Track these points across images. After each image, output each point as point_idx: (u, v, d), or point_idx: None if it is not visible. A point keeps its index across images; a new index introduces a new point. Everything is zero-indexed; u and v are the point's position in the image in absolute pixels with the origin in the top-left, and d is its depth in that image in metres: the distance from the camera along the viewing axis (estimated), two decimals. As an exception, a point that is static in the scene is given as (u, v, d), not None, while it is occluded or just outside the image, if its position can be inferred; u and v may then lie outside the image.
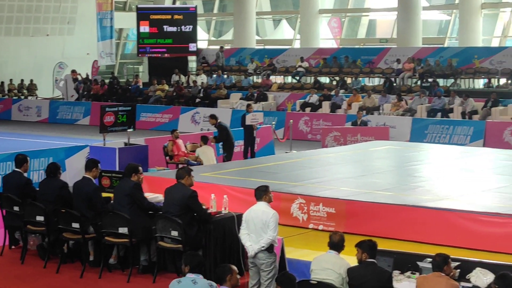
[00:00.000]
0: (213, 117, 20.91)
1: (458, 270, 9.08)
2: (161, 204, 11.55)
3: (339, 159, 18.92)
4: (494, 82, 31.64)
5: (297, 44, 41.64)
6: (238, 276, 8.29)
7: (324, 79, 35.69)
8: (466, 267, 9.21)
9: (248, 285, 10.31)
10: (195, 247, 10.71)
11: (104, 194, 12.47)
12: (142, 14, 39.99)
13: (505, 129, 25.23)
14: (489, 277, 8.96)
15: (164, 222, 11.04)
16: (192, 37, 39.92)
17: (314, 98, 31.34)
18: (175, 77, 37.64)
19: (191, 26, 39.82)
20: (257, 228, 10.04)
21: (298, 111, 31.01)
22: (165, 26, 39.53)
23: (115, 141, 19.74)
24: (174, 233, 10.87)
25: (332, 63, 35.22)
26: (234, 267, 8.27)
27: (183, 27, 39.65)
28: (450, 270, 8.53)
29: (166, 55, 39.74)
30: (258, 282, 10.14)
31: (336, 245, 9.25)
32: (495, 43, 36.59)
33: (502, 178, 15.85)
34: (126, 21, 45.08)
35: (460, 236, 12.01)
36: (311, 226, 13.38)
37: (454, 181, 15.55)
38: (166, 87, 36.58)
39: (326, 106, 30.79)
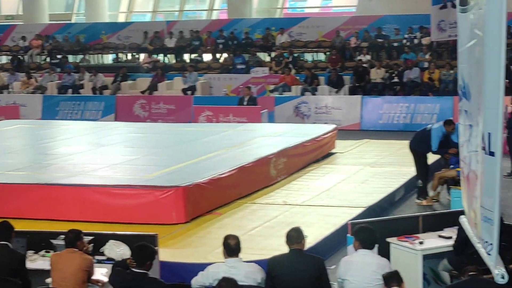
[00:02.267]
0: None
1: (92, 244, 9.20)
2: None
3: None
4: (123, 57, 32.32)
5: None
6: None
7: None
8: (100, 240, 9.36)
9: None
10: None
11: None
12: None
13: (135, 103, 25.94)
14: (122, 248, 9.20)
15: None
16: None
17: None
18: None
19: None
20: None
21: None
22: None
23: None
24: None
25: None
26: None
27: None
28: (83, 245, 8.64)
29: None
30: None
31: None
32: (121, 19, 37.26)
33: (133, 151, 16.27)
34: None
35: (94, 210, 12.22)
36: None
37: (87, 157, 15.67)
38: None
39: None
